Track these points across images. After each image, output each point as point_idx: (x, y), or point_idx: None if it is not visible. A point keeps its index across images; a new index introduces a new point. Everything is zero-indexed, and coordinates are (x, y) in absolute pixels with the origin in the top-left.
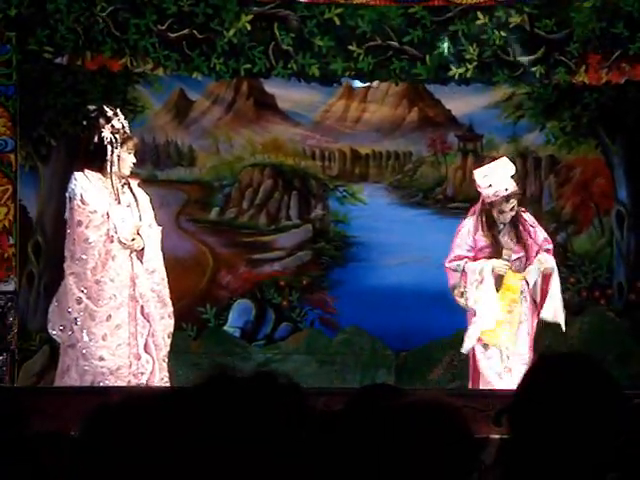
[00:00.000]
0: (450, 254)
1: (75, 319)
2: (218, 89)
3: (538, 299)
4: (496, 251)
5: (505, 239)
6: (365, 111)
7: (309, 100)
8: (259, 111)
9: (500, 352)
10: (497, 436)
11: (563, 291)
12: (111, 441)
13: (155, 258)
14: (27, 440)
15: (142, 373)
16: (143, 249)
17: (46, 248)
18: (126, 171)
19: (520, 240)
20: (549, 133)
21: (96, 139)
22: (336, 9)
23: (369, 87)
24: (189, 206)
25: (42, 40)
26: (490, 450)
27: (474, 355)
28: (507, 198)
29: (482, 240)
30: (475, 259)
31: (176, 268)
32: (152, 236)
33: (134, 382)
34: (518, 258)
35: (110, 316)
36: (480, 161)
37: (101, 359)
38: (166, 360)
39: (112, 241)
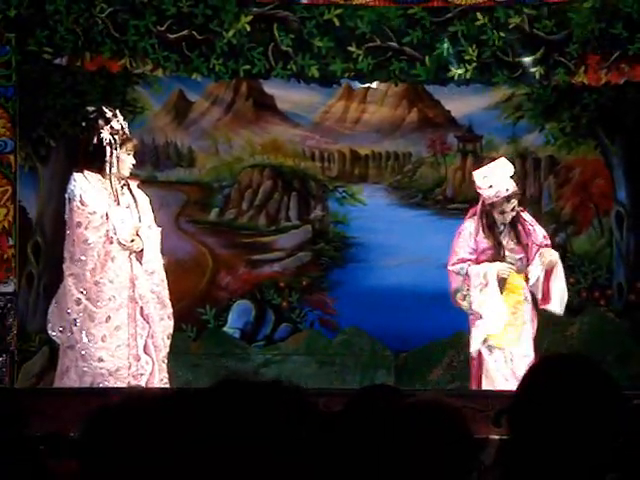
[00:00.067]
0: (452, 257)
1: (74, 320)
2: (217, 90)
3: (539, 295)
4: (498, 253)
5: (506, 240)
6: (364, 112)
7: (308, 101)
8: (258, 112)
9: (504, 354)
10: (496, 437)
11: None
12: (111, 442)
13: (154, 259)
14: (27, 440)
15: (142, 374)
16: (142, 250)
17: (45, 249)
18: (125, 172)
19: (520, 241)
20: (548, 134)
21: (95, 140)
22: (335, 10)
23: (368, 88)
24: (189, 207)
25: (41, 41)
26: (489, 451)
27: (480, 357)
28: (508, 198)
29: (484, 242)
30: (477, 261)
31: (176, 269)
32: (151, 237)
33: (134, 383)
34: (519, 259)
35: (109, 317)
36: (480, 162)
37: (100, 360)
38: (166, 361)
39: (111, 242)
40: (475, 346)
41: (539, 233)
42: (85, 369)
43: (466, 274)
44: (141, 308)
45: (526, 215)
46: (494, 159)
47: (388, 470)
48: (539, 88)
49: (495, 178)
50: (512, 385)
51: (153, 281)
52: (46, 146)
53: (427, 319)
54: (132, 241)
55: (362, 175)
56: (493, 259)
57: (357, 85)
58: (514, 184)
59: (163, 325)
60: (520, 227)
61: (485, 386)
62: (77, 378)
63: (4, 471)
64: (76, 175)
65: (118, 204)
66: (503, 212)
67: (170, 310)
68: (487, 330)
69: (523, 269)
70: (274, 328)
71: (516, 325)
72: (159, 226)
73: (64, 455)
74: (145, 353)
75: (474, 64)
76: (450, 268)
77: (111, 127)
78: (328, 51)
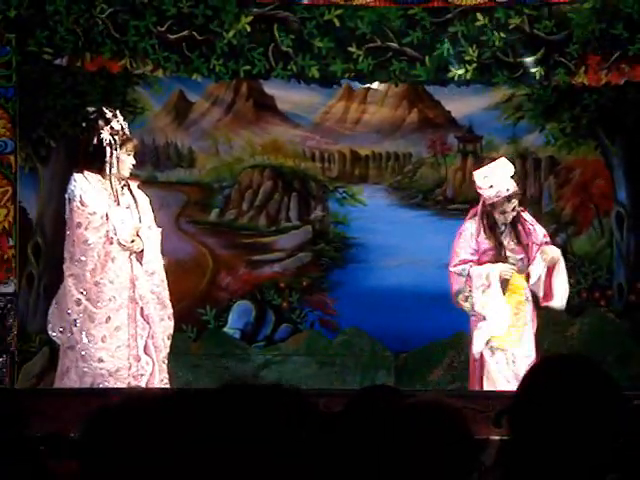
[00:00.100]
0: (454, 258)
1: (74, 320)
2: (218, 90)
3: (541, 293)
4: (499, 253)
5: (507, 241)
6: (365, 112)
7: (309, 101)
8: (259, 112)
9: (506, 356)
10: (497, 437)
11: None
12: (111, 443)
13: (155, 260)
14: (27, 441)
15: (142, 375)
16: (142, 251)
17: (46, 249)
18: (125, 173)
19: (521, 241)
20: (549, 134)
21: (95, 141)
22: (336, 10)
23: (369, 88)
24: (189, 207)
25: (42, 41)
26: (490, 451)
27: (481, 358)
28: (508, 198)
29: (485, 243)
30: (479, 262)
31: (176, 270)
32: (152, 238)
33: (134, 384)
34: (520, 259)
35: (109, 318)
36: (480, 162)
37: (100, 361)
38: (166, 362)
39: (111, 243)
40: (478, 347)
41: (539, 232)
42: (85, 370)
43: (468, 275)
44: (141, 309)
45: (526, 215)
46: (494, 159)
47: (388, 471)
48: (539, 89)
49: (496, 178)
50: (514, 387)
51: (153, 282)
52: (46, 147)
53: (427, 319)
54: (132, 242)
55: (362, 176)
56: (495, 260)
57: (357, 85)
58: (514, 184)
59: (163, 326)
60: (520, 227)
61: (486, 388)
62: (77, 379)
63: (4, 471)
64: (76, 175)
65: (118, 204)
66: (504, 212)
67: (170, 311)
68: (491, 332)
69: (524, 269)
70: (274, 329)
71: (518, 326)
72: (159, 227)
73: (64, 455)
74: (145, 354)
75: (474, 64)
76: (452, 269)
77: (111, 128)
78: (328, 51)
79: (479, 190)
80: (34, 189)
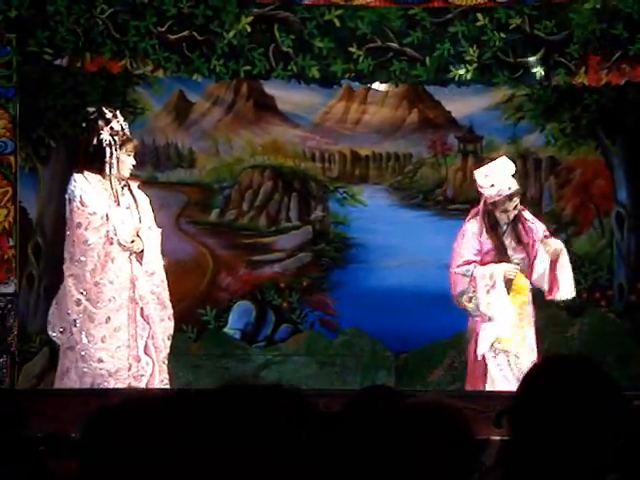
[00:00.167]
0: (457, 259)
1: (74, 321)
2: (218, 91)
3: (546, 287)
4: (502, 253)
5: (508, 240)
6: (365, 113)
7: (309, 102)
8: (259, 113)
9: (508, 357)
10: (497, 438)
11: None
12: (111, 443)
13: (155, 260)
14: (26, 441)
15: (142, 375)
16: (142, 251)
17: (46, 250)
18: (125, 173)
19: (521, 240)
20: (549, 134)
21: (95, 141)
22: (336, 11)
23: (369, 89)
24: (189, 208)
25: (42, 42)
26: (490, 452)
27: (483, 360)
28: (510, 197)
29: (488, 243)
30: (482, 262)
31: (176, 270)
32: (152, 238)
33: (134, 384)
34: (522, 258)
35: (109, 318)
36: (480, 162)
37: (100, 361)
38: (166, 362)
39: (111, 243)
40: (483, 349)
41: (539, 229)
42: (85, 370)
43: (472, 276)
44: (141, 309)
45: (526, 213)
46: (495, 159)
47: (389, 471)
48: (540, 89)
49: (497, 177)
50: (515, 388)
51: (153, 282)
52: (46, 147)
53: (428, 320)
54: (132, 242)
55: (363, 176)
56: (498, 260)
57: (358, 86)
58: (516, 183)
59: (163, 326)
60: (521, 226)
61: (488, 389)
62: (77, 379)
63: (4, 472)
64: (76, 176)
65: (118, 205)
66: (506, 211)
67: (170, 311)
68: (497, 333)
69: (525, 269)
70: (274, 329)
71: (521, 327)
72: (159, 227)
73: (64, 456)
74: (145, 354)
75: (475, 65)
76: (455, 270)
77: (111, 128)
78: (329, 52)
79: (480, 189)
80: (34, 189)
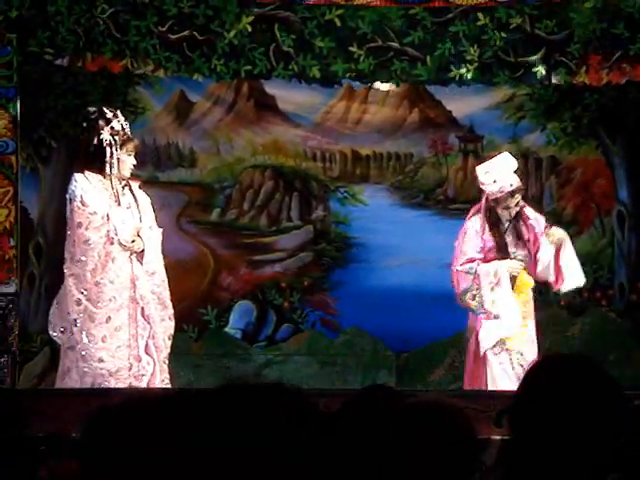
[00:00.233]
0: (460, 257)
1: (75, 321)
2: (219, 90)
3: (552, 278)
4: (505, 250)
5: (510, 238)
6: (366, 112)
7: (310, 101)
8: (260, 112)
9: (510, 356)
10: (498, 437)
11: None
12: (112, 443)
13: (155, 260)
14: (27, 441)
15: (143, 375)
16: (143, 251)
17: (47, 249)
18: (126, 173)
19: (523, 236)
20: (550, 134)
21: (95, 141)
22: (337, 10)
23: (370, 88)
24: (190, 207)
25: (43, 42)
26: (491, 451)
27: (484, 358)
28: (512, 194)
29: (490, 240)
30: (485, 260)
31: (177, 270)
32: (152, 238)
33: (135, 384)
34: (525, 255)
35: (110, 318)
36: (481, 162)
37: (100, 361)
38: (167, 362)
39: (112, 243)
40: (485, 346)
41: (541, 223)
42: (85, 370)
43: (475, 273)
44: (142, 309)
45: (528, 210)
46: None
47: (390, 471)
48: (540, 88)
49: (499, 173)
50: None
51: (154, 282)
52: (47, 147)
53: (428, 319)
54: (133, 242)
55: (363, 175)
56: (501, 257)
57: (358, 85)
58: (518, 179)
59: (164, 326)
60: (522, 223)
61: (489, 388)
62: (78, 379)
63: (4, 472)
64: (77, 175)
65: (119, 205)
66: (507, 207)
67: (171, 311)
68: (502, 332)
69: (529, 265)
70: (275, 328)
71: (525, 324)
72: (160, 227)
73: (65, 456)
74: (146, 354)
75: (475, 64)
76: (459, 268)
77: (111, 128)
78: (329, 51)
79: (482, 186)
80: (35, 189)
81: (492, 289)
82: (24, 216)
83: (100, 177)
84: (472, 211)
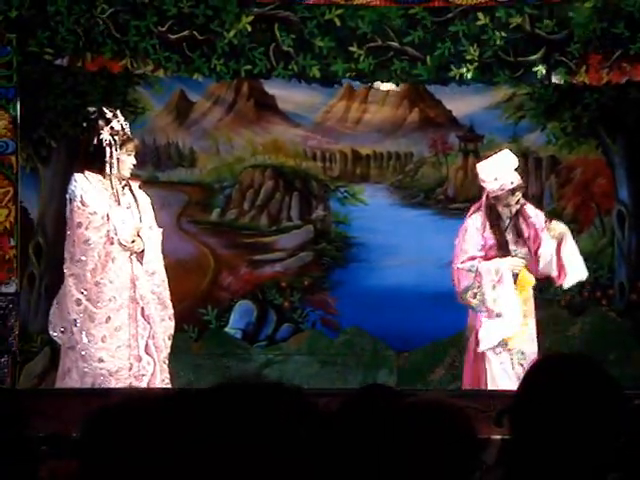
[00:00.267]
0: (461, 255)
1: (74, 320)
2: (219, 90)
3: (555, 273)
4: (505, 248)
5: (511, 235)
6: (366, 112)
7: (310, 101)
8: (260, 112)
9: (510, 355)
10: (498, 437)
11: (564, 291)
12: (111, 442)
13: (155, 260)
14: (27, 441)
15: (143, 375)
16: (143, 251)
17: (47, 249)
18: (126, 173)
19: (523, 234)
20: (550, 133)
21: (95, 141)
22: (336, 10)
23: (370, 88)
24: (190, 207)
25: (42, 42)
26: (491, 451)
27: (484, 356)
28: (512, 191)
29: (491, 238)
30: (486, 258)
31: (177, 270)
32: (152, 238)
33: (135, 384)
34: (525, 253)
35: (109, 318)
36: (481, 161)
37: (100, 361)
38: (167, 362)
39: (112, 243)
40: (486, 345)
41: (540, 219)
42: (86, 370)
43: (477, 271)
44: (142, 309)
45: (529, 207)
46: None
47: (390, 470)
48: (540, 88)
49: (500, 171)
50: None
51: (154, 282)
52: (47, 147)
53: (429, 319)
54: (133, 242)
55: (364, 175)
56: (502, 254)
57: (358, 85)
58: (518, 177)
59: (164, 326)
60: (523, 220)
61: (489, 387)
62: (78, 379)
63: (4, 472)
64: (77, 175)
65: (119, 204)
66: (508, 205)
67: (171, 311)
68: (504, 331)
69: (529, 262)
70: (276, 328)
71: (525, 323)
72: (160, 226)
73: (65, 455)
74: (146, 354)
75: (475, 64)
76: (460, 266)
77: (111, 128)
78: (329, 51)
79: (482, 183)
80: (35, 189)
81: (494, 287)
82: (24, 216)
83: (100, 177)
84: (472, 209)
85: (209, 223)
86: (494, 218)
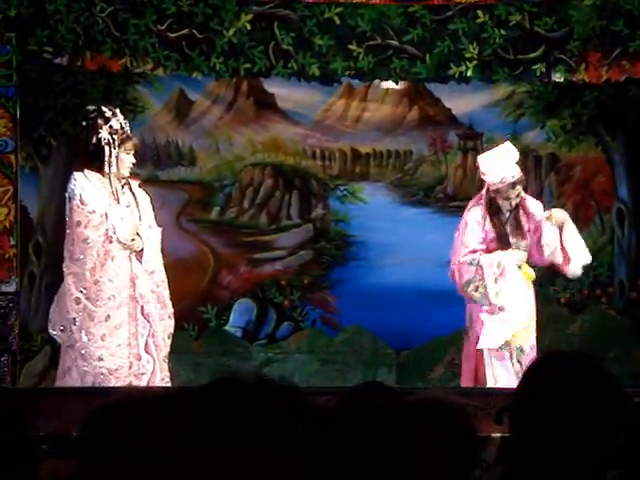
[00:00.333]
0: (462, 249)
1: (74, 319)
2: (218, 89)
3: (560, 259)
4: (505, 240)
5: (510, 228)
6: (365, 110)
7: (309, 99)
8: (259, 110)
9: (511, 351)
10: (498, 434)
11: (564, 289)
12: (112, 441)
13: (154, 259)
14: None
15: (143, 374)
16: (142, 250)
17: (47, 248)
18: (125, 172)
19: (522, 228)
20: (549, 131)
21: (94, 140)
22: (336, 8)
23: (369, 86)
24: (190, 206)
25: (42, 41)
26: (491, 449)
27: (483, 353)
28: (513, 185)
29: (491, 231)
30: (487, 251)
31: (177, 268)
32: (152, 237)
33: (135, 383)
34: (526, 246)
35: (109, 316)
36: None
37: (100, 359)
38: (166, 360)
39: (111, 241)
40: (491, 344)
41: (541, 211)
42: (85, 368)
43: (478, 264)
44: (141, 307)
45: (529, 200)
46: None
47: (390, 468)
48: (540, 86)
49: (500, 164)
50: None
51: (153, 281)
52: (47, 146)
53: (428, 317)
54: (133, 240)
55: (363, 173)
56: (502, 247)
57: (358, 83)
58: (519, 170)
59: (164, 325)
60: (523, 213)
61: (490, 385)
62: (78, 377)
63: (4, 471)
64: (76, 174)
65: (118, 203)
66: (508, 198)
67: (171, 310)
68: (510, 331)
69: (530, 254)
70: (276, 327)
71: (528, 322)
72: (160, 225)
73: (65, 454)
74: (146, 352)
75: (475, 62)
76: (461, 260)
77: (110, 127)
78: (329, 49)
79: (483, 176)
80: (35, 188)
81: (495, 280)
82: (24, 215)
83: (99, 176)
84: (472, 202)
85: (209, 222)
86: (494, 211)
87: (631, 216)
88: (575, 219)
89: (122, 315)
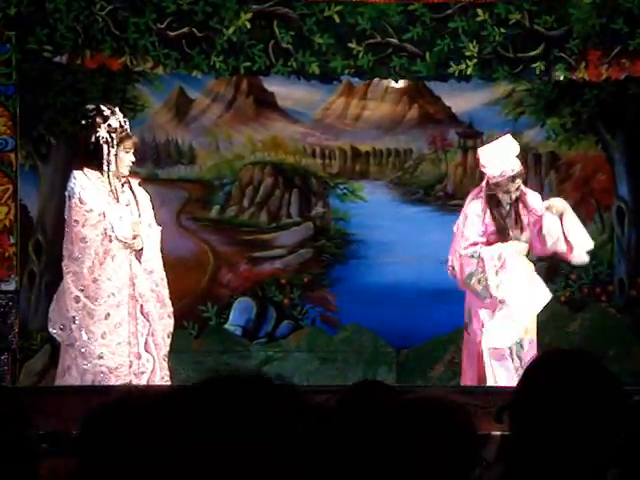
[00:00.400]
0: (462, 242)
1: (73, 318)
2: (218, 87)
3: (564, 248)
4: (505, 233)
5: (510, 221)
6: (365, 108)
7: (309, 98)
8: (259, 109)
9: (510, 350)
10: (498, 433)
11: (564, 288)
12: (112, 440)
13: (154, 258)
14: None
15: (143, 372)
16: (142, 249)
17: (47, 247)
18: (124, 170)
19: (522, 221)
20: (549, 129)
21: (93, 138)
22: (336, 7)
23: (369, 84)
24: (190, 204)
25: (42, 39)
26: (491, 447)
27: (484, 353)
28: (513, 178)
29: (491, 224)
30: (488, 243)
31: (177, 267)
32: (151, 236)
33: (135, 381)
34: (526, 239)
35: (109, 314)
36: None
37: (100, 357)
38: (166, 359)
39: (111, 240)
40: (498, 344)
41: (540, 204)
42: (85, 367)
43: (479, 257)
44: (141, 306)
45: (529, 194)
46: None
47: (389, 467)
48: (540, 84)
49: (500, 157)
50: (515, 380)
51: (153, 280)
52: (47, 144)
53: (428, 315)
54: (134, 238)
55: (363, 172)
56: (502, 240)
57: (357, 82)
58: (519, 163)
59: (163, 323)
60: (522, 206)
61: (491, 383)
62: (78, 376)
63: (4, 471)
64: (76, 173)
65: (118, 202)
66: (508, 192)
67: (170, 309)
68: (522, 322)
69: (531, 247)
70: (275, 325)
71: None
72: (160, 224)
73: (65, 453)
74: (146, 351)
75: (475, 60)
76: (462, 252)
77: (109, 125)
78: (328, 48)
79: (483, 169)
80: (35, 187)
81: (497, 273)
82: (24, 214)
83: (99, 174)
84: (471, 195)
85: (209, 220)
86: (494, 204)
87: (631, 214)
88: None
89: (122, 314)
